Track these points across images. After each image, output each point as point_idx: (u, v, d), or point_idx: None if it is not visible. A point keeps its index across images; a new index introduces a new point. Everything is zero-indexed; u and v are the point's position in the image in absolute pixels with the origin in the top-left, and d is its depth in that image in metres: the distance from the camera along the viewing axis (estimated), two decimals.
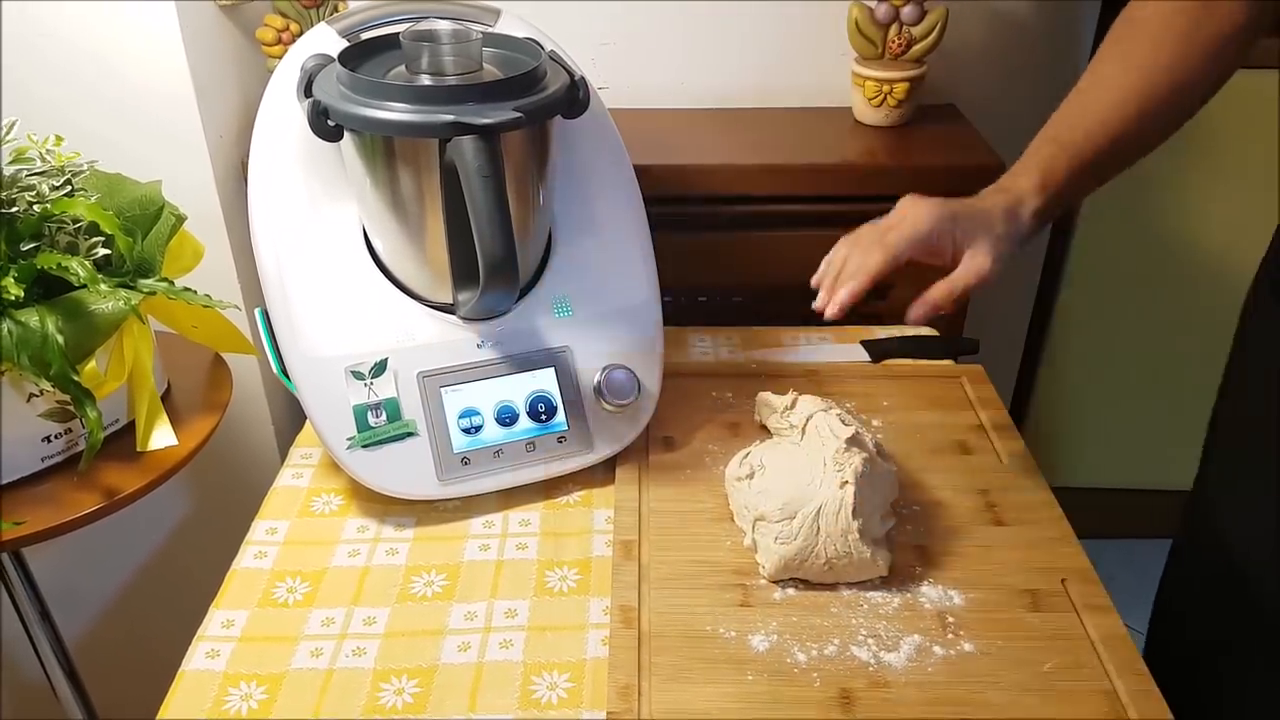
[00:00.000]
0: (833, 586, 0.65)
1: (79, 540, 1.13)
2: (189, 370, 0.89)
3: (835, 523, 0.63)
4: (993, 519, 0.70)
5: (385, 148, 0.68)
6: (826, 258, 0.70)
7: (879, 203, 1.02)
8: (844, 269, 0.67)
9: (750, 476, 0.69)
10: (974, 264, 0.65)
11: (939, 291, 0.66)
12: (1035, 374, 1.48)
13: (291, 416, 1.12)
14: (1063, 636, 0.60)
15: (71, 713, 0.95)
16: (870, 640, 0.60)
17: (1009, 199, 0.66)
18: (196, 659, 0.61)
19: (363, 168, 0.70)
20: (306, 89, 0.69)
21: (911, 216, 0.66)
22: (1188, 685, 0.63)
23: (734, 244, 1.02)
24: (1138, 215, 1.34)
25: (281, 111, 0.74)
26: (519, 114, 0.63)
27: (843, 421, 0.70)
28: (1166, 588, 0.81)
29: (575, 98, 0.70)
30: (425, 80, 0.68)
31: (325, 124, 0.67)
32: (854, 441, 0.67)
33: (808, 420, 0.71)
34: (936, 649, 0.60)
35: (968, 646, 0.60)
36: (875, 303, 1.04)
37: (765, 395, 0.78)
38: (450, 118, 0.63)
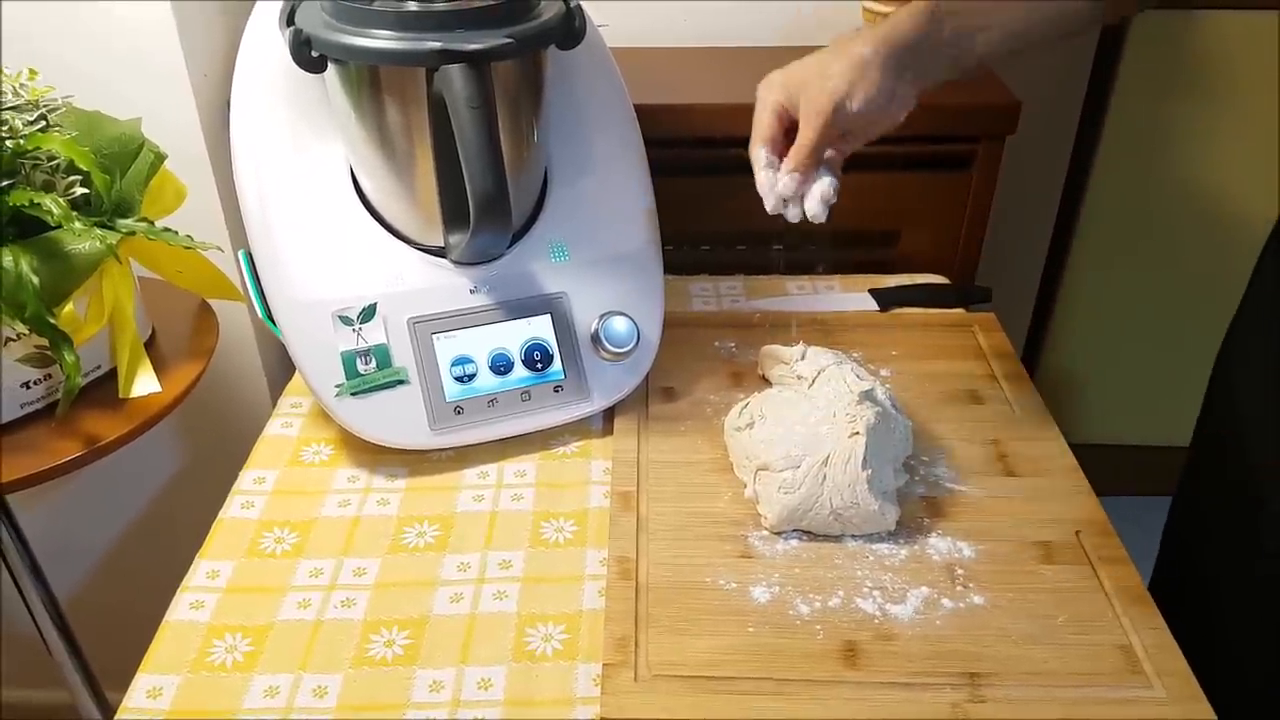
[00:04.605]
0: (837, 538, 0.62)
1: (71, 495, 1.12)
2: (174, 317, 0.86)
3: (844, 473, 0.61)
4: (1004, 469, 0.68)
5: (370, 79, 0.65)
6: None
7: (890, 144, 0.98)
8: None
9: (750, 426, 0.67)
10: (809, 109, 0.65)
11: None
12: (1048, 324, 1.45)
13: (285, 365, 1.09)
14: (1077, 589, 0.58)
15: (66, 668, 0.94)
16: (876, 592, 0.58)
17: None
18: (180, 610, 0.60)
19: (348, 102, 0.67)
20: (289, 18, 0.66)
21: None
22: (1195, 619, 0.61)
23: (737, 189, 0.98)
24: (1153, 163, 1.30)
25: (265, 44, 0.70)
26: (510, 40, 0.60)
27: (858, 376, 0.67)
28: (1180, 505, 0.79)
29: (570, 27, 0.67)
30: (411, 6, 0.64)
31: (308, 54, 0.64)
32: (869, 396, 0.64)
33: (819, 373, 0.68)
34: (945, 601, 0.58)
35: (977, 599, 0.58)
36: (885, 250, 1.02)
37: (772, 348, 0.76)
38: (437, 45, 0.59)
